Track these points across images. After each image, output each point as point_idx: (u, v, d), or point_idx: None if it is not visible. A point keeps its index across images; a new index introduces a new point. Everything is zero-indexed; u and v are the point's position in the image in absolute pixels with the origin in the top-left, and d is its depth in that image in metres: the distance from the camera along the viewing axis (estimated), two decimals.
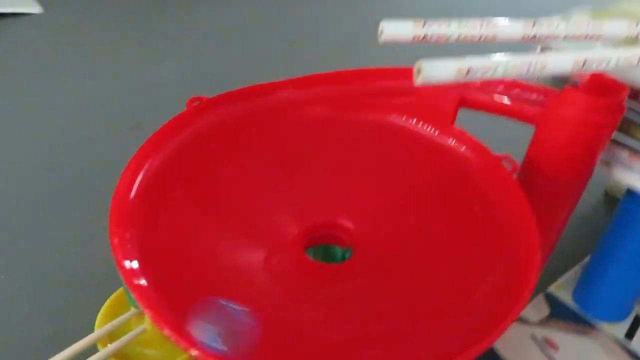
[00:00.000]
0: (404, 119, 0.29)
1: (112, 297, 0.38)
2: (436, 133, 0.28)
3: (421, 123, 0.28)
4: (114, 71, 0.72)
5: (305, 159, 0.29)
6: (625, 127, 0.27)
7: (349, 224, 0.26)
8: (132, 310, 0.36)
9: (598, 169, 0.28)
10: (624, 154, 0.28)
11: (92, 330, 0.35)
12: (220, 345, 0.19)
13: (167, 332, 0.19)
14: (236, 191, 0.27)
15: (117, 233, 0.22)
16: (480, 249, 0.24)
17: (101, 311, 0.37)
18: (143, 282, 0.21)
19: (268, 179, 0.28)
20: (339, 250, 0.28)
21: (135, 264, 0.22)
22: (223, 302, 0.21)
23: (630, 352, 0.32)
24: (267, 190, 0.27)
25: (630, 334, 0.33)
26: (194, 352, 0.19)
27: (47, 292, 0.41)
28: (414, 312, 0.22)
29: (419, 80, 0.19)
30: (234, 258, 0.25)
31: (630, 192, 0.30)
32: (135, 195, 0.24)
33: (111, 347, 0.34)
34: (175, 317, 0.20)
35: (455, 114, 0.28)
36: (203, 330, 0.19)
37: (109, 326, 0.35)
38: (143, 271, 0.21)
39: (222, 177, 0.27)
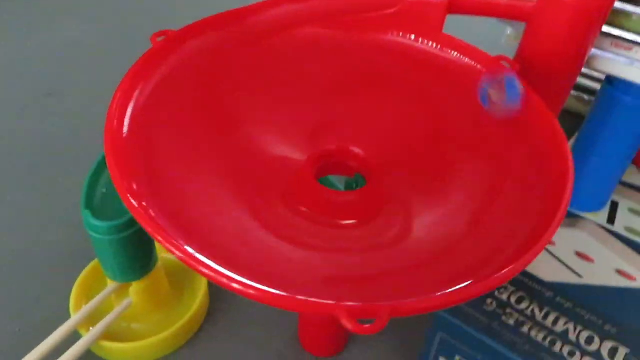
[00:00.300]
0: (397, 34, 0.27)
1: (83, 274, 0.35)
2: (434, 45, 0.26)
3: (414, 36, 0.26)
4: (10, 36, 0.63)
5: (299, 82, 0.26)
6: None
7: (359, 151, 0.24)
8: (111, 284, 0.32)
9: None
10: (607, 43, 0.28)
11: (67, 316, 0.31)
12: None
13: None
14: (234, 121, 0.24)
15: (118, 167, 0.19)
16: (505, 166, 0.23)
17: (74, 291, 0.34)
18: (152, 213, 0.19)
19: (266, 106, 0.25)
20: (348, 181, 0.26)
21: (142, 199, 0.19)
22: None
23: (616, 234, 0.34)
24: (266, 119, 0.25)
25: (611, 220, 0.35)
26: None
27: (4, 285, 0.36)
28: (442, 240, 0.21)
29: None
30: (242, 185, 0.23)
31: (610, 81, 0.30)
32: (128, 130, 0.21)
33: (96, 329, 0.31)
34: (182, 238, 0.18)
35: (443, 21, 0.27)
36: None
37: (87, 307, 0.32)
38: (151, 204, 0.19)
39: (216, 107, 0.24)
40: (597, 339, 0.27)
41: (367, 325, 0.15)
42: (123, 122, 0.21)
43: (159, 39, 0.25)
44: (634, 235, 0.33)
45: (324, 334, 0.33)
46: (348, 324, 0.15)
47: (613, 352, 0.27)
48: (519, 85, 0.23)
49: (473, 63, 0.26)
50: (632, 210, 0.35)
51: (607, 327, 0.28)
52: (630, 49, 0.28)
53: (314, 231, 0.23)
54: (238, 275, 0.16)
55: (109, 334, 0.32)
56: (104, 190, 0.32)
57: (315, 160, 0.25)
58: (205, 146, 0.24)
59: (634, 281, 0.30)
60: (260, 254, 0.21)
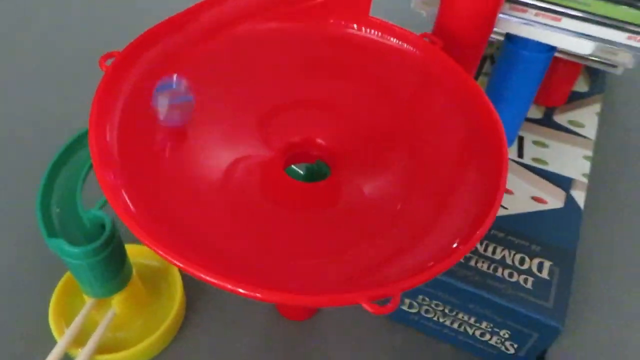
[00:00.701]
0: (334, 22, 0.29)
1: (56, 294, 0.35)
2: (372, 31, 0.29)
3: (356, 25, 0.29)
4: None
5: (251, 80, 0.27)
6: None
7: (321, 141, 0.26)
8: (90, 300, 0.33)
9: None
10: (506, 7, 0.33)
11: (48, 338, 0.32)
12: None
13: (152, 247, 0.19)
14: (198, 125, 0.25)
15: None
16: (450, 144, 0.26)
17: (51, 313, 0.34)
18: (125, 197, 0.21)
19: (226, 109, 0.26)
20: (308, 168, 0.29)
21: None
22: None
23: (526, 166, 0.40)
24: (230, 120, 0.26)
25: (520, 153, 0.41)
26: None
27: None
28: (403, 220, 0.24)
29: None
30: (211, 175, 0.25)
31: (509, 38, 0.35)
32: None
33: (89, 347, 0.32)
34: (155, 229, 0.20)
35: (370, 4, 0.29)
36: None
37: (73, 328, 0.32)
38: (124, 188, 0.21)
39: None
40: (527, 259, 0.33)
41: (386, 306, 0.18)
42: (108, 160, 0.22)
43: (108, 63, 0.25)
44: (540, 164, 0.39)
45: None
46: (370, 308, 0.18)
47: (540, 266, 0.33)
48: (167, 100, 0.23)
49: (402, 44, 0.29)
50: (535, 142, 0.41)
51: (533, 247, 0.34)
52: (525, 11, 0.32)
53: (290, 221, 0.25)
54: (255, 286, 0.19)
55: (98, 348, 0.33)
56: (58, 210, 0.32)
57: (282, 154, 0.27)
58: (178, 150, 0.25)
59: (547, 204, 0.37)
60: (248, 251, 0.24)
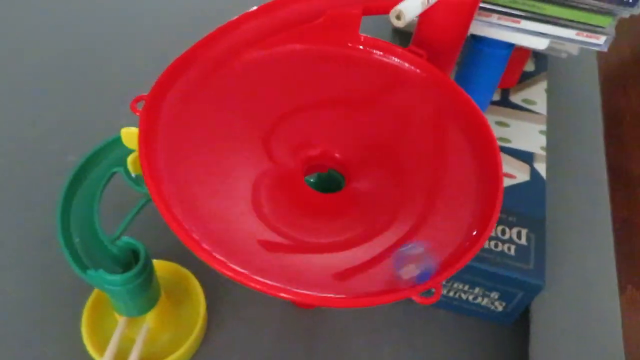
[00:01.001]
0: (331, 43, 0.32)
1: (86, 314, 0.37)
2: (369, 49, 0.32)
3: (352, 44, 0.32)
4: None
5: (259, 105, 0.30)
6: None
7: (337, 154, 0.30)
8: (122, 319, 0.35)
9: None
10: None
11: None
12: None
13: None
14: (231, 148, 0.28)
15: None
16: (449, 147, 0.30)
17: (85, 334, 0.36)
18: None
19: (244, 129, 0.29)
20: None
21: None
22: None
23: None
24: (248, 137, 0.29)
25: None
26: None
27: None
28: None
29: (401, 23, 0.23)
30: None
31: (474, 37, 0.39)
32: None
33: None
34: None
35: (359, 24, 0.32)
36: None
37: (112, 349, 0.34)
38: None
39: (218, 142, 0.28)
40: (507, 229, 0.39)
41: (431, 297, 0.22)
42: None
43: (139, 106, 0.27)
44: (505, 142, 0.45)
45: None
46: (419, 300, 0.22)
47: (519, 234, 0.38)
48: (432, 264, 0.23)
49: (395, 60, 0.33)
50: (498, 123, 0.46)
51: (510, 218, 0.39)
52: (489, 15, 0.37)
53: (315, 231, 0.28)
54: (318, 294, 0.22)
55: None
56: (78, 240, 0.34)
57: (304, 163, 0.30)
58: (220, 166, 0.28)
59: (515, 178, 0.42)
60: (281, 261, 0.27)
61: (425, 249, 0.23)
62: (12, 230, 0.43)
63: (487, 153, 0.28)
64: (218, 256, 0.23)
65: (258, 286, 0.22)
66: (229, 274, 0.22)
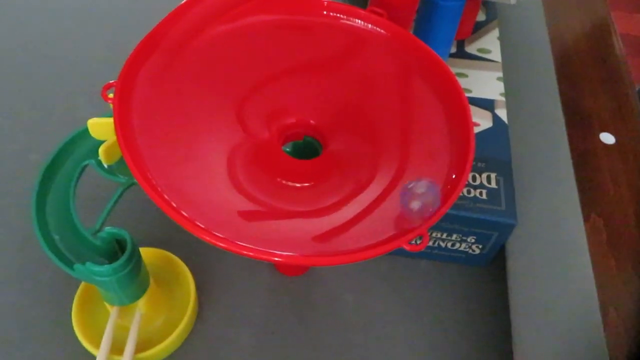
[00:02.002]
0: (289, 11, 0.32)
1: (75, 305, 0.37)
2: (332, 14, 0.32)
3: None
4: None
5: (229, 79, 0.30)
6: None
7: (312, 121, 0.30)
8: (114, 308, 0.35)
9: None
10: None
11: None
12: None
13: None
14: (207, 116, 0.28)
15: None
16: (421, 101, 0.30)
17: (77, 328, 0.36)
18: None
19: (219, 101, 0.29)
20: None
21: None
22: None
23: None
24: (221, 105, 0.29)
25: None
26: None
27: None
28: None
29: None
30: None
31: None
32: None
33: (128, 350, 0.34)
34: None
35: None
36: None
37: (107, 338, 0.34)
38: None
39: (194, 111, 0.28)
40: (477, 176, 0.40)
41: (417, 244, 0.23)
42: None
43: (110, 93, 0.27)
44: (467, 92, 0.46)
45: None
46: (409, 248, 0.23)
47: (488, 179, 0.40)
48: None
49: (359, 22, 0.33)
50: (458, 74, 0.48)
51: (479, 164, 0.41)
52: None
53: (307, 191, 0.29)
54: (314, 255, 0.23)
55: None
56: (57, 237, 0.34)
57: (280, 133, 0.30)
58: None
59: (480, 126, 0.44)
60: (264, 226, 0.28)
61: (428, 183, 0.24)
62: None
63: (454, 99, 0.29)
64: (204, 226, 0.23)
65: (243, 251, 0.23)
66: (214, 241, 0.23)
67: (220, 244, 0.23)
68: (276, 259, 0.22)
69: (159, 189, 0.24)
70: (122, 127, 0.25)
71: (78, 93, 0.52)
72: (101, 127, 0.34)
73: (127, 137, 0.25)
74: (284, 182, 0.29)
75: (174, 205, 0.24)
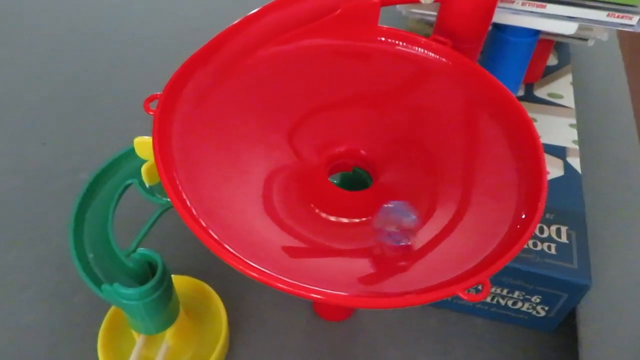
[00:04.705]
0: (347, 36, 0.30)
1: (102, 331, 0.35)
2: (394, 42, 0.30)
3: (382, 38, 0.30)
4: None
5: (278, 103, 0.29)
6: None
7: (363, 151, 0.28)
8: (140, 337, 0.33)
9: None
10: None
11: None
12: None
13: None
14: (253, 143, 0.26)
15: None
16: (484, 139, 0.28)
17: (100, 355, 0.34)
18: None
19: (259, 122, 0.28)
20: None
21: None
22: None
23: None
24: (268, 132, 0.27)
25: None
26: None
27: None
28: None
29: None
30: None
31: (497, 26, 0.38)
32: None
33: None
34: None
35: (378, 15, 0.31)
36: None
37: None
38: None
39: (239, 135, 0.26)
40: (545, 227, 0.36)
41: (479, 294, 0.20)
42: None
43: (152, 105, 0.25)
44: None
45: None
46: (466, 297, 0.20)
47: (558, 232, 0.36)
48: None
49: (419, 50, 0.31)
50: None
51: (548, 216, 0.37)
52: (512, 2, 0.35)
53: (342, 234, 0.26)
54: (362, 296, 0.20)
55: None
56: (91, 255, 0.32)
57: (328, 162, 0.28)
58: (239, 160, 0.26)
59: (549, 174, 0.40)
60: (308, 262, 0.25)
61: (406, 208, 0.22)
62: (26, 252, 0.41)
63: (524, 136, 0.26)
64: (241, 256, 0.21)
65: (278, 284, 0.20)
66: (254, 274, 0.20)
67: (253, 274, 0.21)
68: (314, 295, 0.20)
69: (190, 207, 0.22)
70: (160, 142, 0.23)
71: (135, 116, 0.52)
72: (147, 146, 0.33)
73: (165, 154, 0.23)
74: (329, 216, 0.26)
75: (203, 224, 0.22)
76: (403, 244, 0.22)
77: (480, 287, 0.20)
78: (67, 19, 0.64)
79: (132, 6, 0.67)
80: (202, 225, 0.22)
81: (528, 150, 0.25)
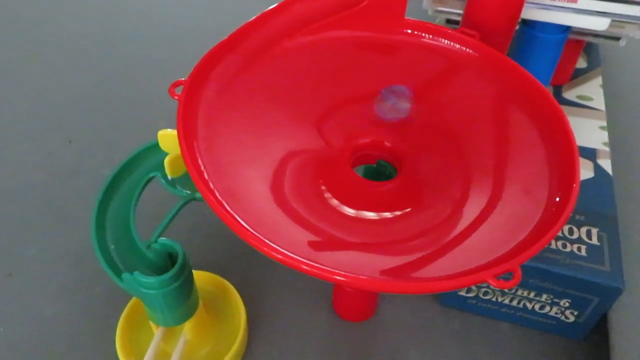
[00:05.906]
0: (374, 27, 0.30)
1: (120, 323, 0.35)
2: (422, 34, 0.30)
3: (411, 30, 0.30)
4: None
5: (303, 93, 0.28)
6: None
7: (388, 143, 0.27)
8: (159, 330, 0.33)
9: None
10: None
11: None
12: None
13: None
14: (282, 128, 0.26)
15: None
16: (515, 132, 0.27)
17: (119, 347, 0.33)
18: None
19: (288, 115, 0.27)
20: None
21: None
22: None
23: None
24: (295, 119, 0.27)
25: None
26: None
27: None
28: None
29: None
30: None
31: (525, 22, 0.37)
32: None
33: None
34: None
35: (405, 7, 0.31)
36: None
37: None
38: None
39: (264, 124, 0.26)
40: (575, 229, 0.35)
41: (509, 281, 0.19)
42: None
43: (178, 90, 0.25)
44: None
45: (358, 304, 0.37)
46: (496, 284, 0.19)
47: (589, 234, 0.35)
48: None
49: (446, 42, 0.31)
50: None
51: (578, 217, 0.36)
52: None
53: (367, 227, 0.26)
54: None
55: None
56: (113, 247, 0.32)
57: (352, 153, 0.27)
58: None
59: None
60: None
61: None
62: (49, 247, 0.42)
63: (556, 127, 0.25)
64: (265, 239, 0.21)
65: (302, 266, 0.19)
66: (278, 256, 0.20)
67: (277, 255, 0.20)
68: (338, 277, 0.19)
69: (216, 192, 0.22)
70: (185, 128, 0.23)
71: (158, 116, 0.53)
72: (170, 138, 0.33)
73: (189, 140, 0.23)
74: (352, 209, 0.26)
75: (227, 207, 0.22)
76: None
77: (510, 276, 0.19)
78: (93, 21, 0.66)
79: (156, 9, 0.68)
80: (227, 209, 0.22)
81: (560, 142, 0.25)
